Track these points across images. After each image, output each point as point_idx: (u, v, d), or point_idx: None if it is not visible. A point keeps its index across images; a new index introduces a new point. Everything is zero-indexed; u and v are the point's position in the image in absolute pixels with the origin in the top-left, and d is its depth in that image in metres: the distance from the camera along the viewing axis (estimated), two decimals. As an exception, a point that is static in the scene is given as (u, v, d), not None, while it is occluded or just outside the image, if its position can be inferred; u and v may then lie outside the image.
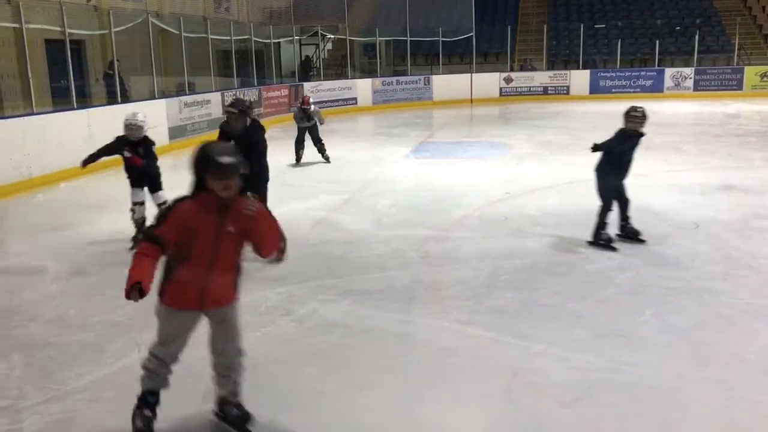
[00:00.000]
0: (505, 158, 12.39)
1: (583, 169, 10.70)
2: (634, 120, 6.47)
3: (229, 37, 18.07)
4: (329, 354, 4.43)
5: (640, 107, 6.56)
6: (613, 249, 6.47)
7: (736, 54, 24.45)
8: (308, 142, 12.19)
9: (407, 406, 3.75)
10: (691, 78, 23.69)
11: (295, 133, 12.25)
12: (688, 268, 5.99)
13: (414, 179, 10.60)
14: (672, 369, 4.12)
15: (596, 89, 24.09)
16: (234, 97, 6.50)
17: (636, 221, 6.77)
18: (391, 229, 7.58)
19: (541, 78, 24.71)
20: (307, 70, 24.74)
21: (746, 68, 23.53)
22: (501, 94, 24.39)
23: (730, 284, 5.57)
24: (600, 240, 6.58)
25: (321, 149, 12.18)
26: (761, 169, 10.60)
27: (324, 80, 22.63)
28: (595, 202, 6.60)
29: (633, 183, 6.76)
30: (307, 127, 12.03)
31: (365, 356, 4.42)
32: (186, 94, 15.38)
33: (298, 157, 12.05)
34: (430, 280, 5.85)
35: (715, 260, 6.17)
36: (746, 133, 14.96)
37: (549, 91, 24.35)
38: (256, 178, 6.12)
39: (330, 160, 12.09)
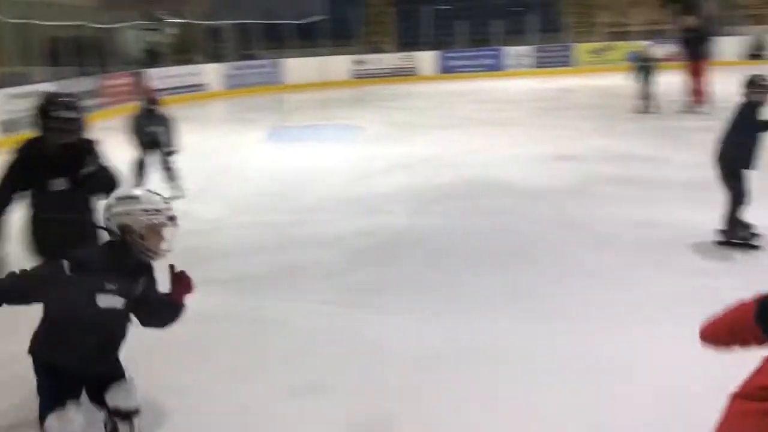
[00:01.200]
0: (358, 140, 12.56)
1: (432, 147, 11.17)
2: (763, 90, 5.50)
3: (59, 23, 16.80)
4: (188, 345, 4.33)
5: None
6: (755, 247, 5.54)
7: (571, 32, 26.26)
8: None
9: (266, 390, 3.75)
10: (528, 56, 25.14)
11: None
12: (525, 233, 6.43)
13: (269, 164, 10.50)
14: (503, 325, 4.41)
15: (443, 69, 24.93)
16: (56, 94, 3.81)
17: (485, 193, 7.13)
18: (249, 216, 7.49)
19: (390, 60, 25.17)
20: (154, 58, 23.56)
21: (578, 45, 25.36)
22: (352, 77, 24.61)
23: (571, 245, 6.03)
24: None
25: (170, 175, 8.39)
26: (591, 138, 11.49)
27: (170, 66, 21.69)
28: (445, 179, 6.88)
29: (477, 158, 7.11)
30: (154, 140, 8.26)
31: (223, 344, 4.37)
32: (13, 86, 14.18)
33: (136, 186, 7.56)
34: (288, 264, 5.85)
35: (554, 223, 6.66)
36: (578, 107, 16.12)
37: (399, 73, 24.89)
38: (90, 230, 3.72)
39: (184, 193, 8.32)
